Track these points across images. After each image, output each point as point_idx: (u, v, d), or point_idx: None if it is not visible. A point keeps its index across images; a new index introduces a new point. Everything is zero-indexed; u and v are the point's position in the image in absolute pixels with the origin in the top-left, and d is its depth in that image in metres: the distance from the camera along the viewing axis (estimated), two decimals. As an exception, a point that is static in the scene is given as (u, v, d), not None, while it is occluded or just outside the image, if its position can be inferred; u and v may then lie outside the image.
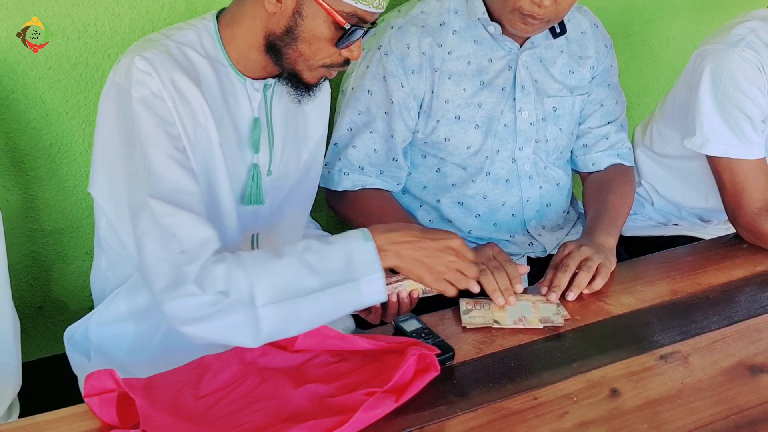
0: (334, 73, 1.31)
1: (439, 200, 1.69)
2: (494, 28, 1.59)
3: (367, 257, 1.18)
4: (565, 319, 1.37)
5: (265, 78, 1.33)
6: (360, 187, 1.63)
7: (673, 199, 1.88)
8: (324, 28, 1.23)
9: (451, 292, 1.25)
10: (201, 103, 1.24)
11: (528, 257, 1.71)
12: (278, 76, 1.33)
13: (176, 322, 1.16)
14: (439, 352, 1.23)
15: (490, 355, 1.29)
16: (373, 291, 1.19)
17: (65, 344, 1.42)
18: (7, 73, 1.57)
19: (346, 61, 1.28)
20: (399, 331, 1.32)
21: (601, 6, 2.21)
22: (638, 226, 1.91)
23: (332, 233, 1.90)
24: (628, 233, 1.89)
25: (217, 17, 1.32)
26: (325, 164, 1.65)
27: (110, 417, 1.11)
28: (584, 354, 1.29)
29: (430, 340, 1.28)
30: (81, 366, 1.39)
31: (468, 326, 1.34)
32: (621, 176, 1.75)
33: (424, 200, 1.71)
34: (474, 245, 1.68)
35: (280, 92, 1.36)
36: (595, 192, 1.72)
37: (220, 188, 1.29)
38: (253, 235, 1.40)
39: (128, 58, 1.21)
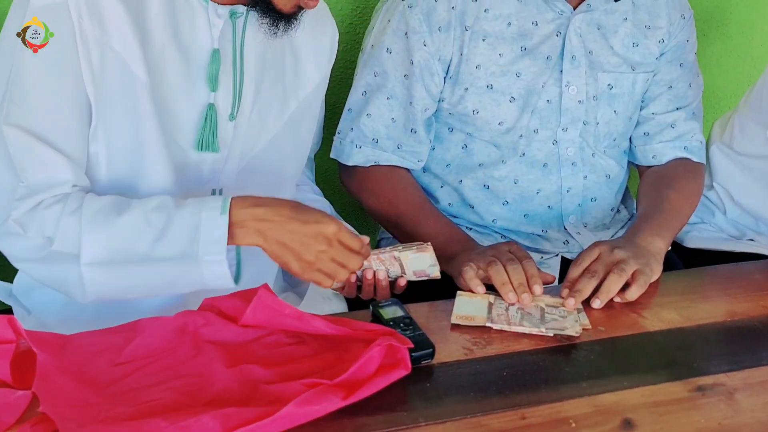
0: (312, 3, 1.10)
1: (461, 181, 1.45)
2: (541, -19, 1.35)
3: (215, 234, 1.03)
4: (584, 329, 1.11)
5: (234, 4, 1.13)
6: (373, 163, 1.42)
7: (750, 207, 1.58)
8: None
9: (326, 284, 1.09)
10: (122, 27, 1.06)
11: (563, 257, 1.45)
12: (251, 3, 1.13)
13: (12, 261, 1.10)
14: (413, 346, 1.01)
15: (480, 360, 1.05)
16: (217, 274, 1.05)
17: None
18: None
19: None
20: (375, 318, 1.10)
21: (692, -12, 1.93)
22: (705, 237, 1.61)
23: (344, 210, 1.72)
24: (690, 244, 1.60)
25: None
26: (338, 132, 1.45)
27: (3, 372, 0.94)
28: (598, 372, 1.03)
29: (408, 333, 1.05)
30: (22, 320, 1.23)
31: (456, 322, 1.11)
32: (686, 172, 1.47)
33: (446, 180, 1.48)
34: (498, 237, 1.45)
35: (259, 25, 1.15)
36: (650, 186, 1.44)
37: (148, 133, 1.10)
38: (214, 190, 1.20)
39: None
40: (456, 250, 1.28)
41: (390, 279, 1.18)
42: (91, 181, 1.11)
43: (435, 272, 1.17)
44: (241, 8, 1.13)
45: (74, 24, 1.04)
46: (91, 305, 1.14)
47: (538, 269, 1.19)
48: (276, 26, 1.11)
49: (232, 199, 1.05)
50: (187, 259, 1.03)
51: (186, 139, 1.14)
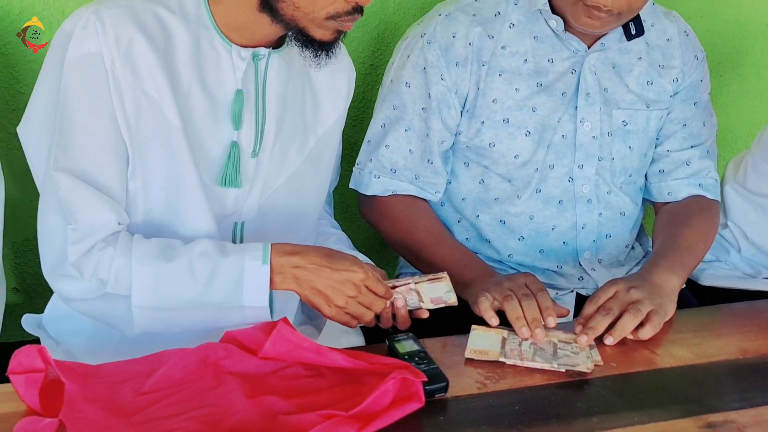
0: (348, 24, 1.14)
1: (478, 216, 1.49)
2: (556, 22, 1.39)
3: (258, 284, 1.11)
4: (596, 365, 1.13)
5: (257, 46, 1.18)
6: (391, 193, 1.45)
7: (764, 246, 1.59)
8: None
9: (352, 325, 1.17)
10: (155, 71, 1.11)
11: (578, 293, 1.47)
12: (276, 44, 1.19)
13: (65, 301, 1.17)
14: (427, 380, 1.03)
15: (493, 394, 1.07)
16: (258, 316, 1.13)
17: (28, 330, 1.31)
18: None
19: (358, 8, 1.12)
20: (391, 351, 1.13)
21: (708, 29, 1.96)
22: (720, 275, 1.62)
23: (363, 245, 1.75)
24: (706, 282, 1.61)
25: None
26: (357, 163, 1.49)
27: (32, 400, 0.98)
28: (610, 408, 1.05)
29: (422, 366, 1.08)
30: (51, 349, 1.27)
31: (471, 356, 1.13)
32: (701, 209, 1.49)
33: (464, 214, 1.51)
34: (513, 272, 1.47)
35: (280, 65, 1.20)
36: (666, 223, 1.46)
37: (183, 169, 1.16)
38: (236, 223, 1.24)
39: (85, 8, 1.11)
40: (472, 276, 1.31)
41: (409, 308, 1.21)
42: (130, 215, 1.17)
43: (451, 299, 1.20)
44: (263, 50, 1.18)
45: (108, 72, 1.10)
46: (117, 335, 1.19)
47: (553, 302, 1.22)
48: (319, 56, 1.16)
49: (271, 246, 1.12)
50: (231, 305, 1.11)
51: (210, 175, 1.19)
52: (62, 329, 1.27)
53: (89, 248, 1.10)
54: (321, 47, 1.15)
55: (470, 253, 1.40)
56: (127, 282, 1.10)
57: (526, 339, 1.17)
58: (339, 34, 1.16)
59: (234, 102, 1.18)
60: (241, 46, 1.17)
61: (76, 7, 1.46)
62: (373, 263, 1.28)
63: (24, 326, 1.32)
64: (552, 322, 1.18)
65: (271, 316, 1.15)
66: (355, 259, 1.15)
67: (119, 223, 1.13)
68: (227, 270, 1.10)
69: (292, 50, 1.21)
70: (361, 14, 1.14)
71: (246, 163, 1.21)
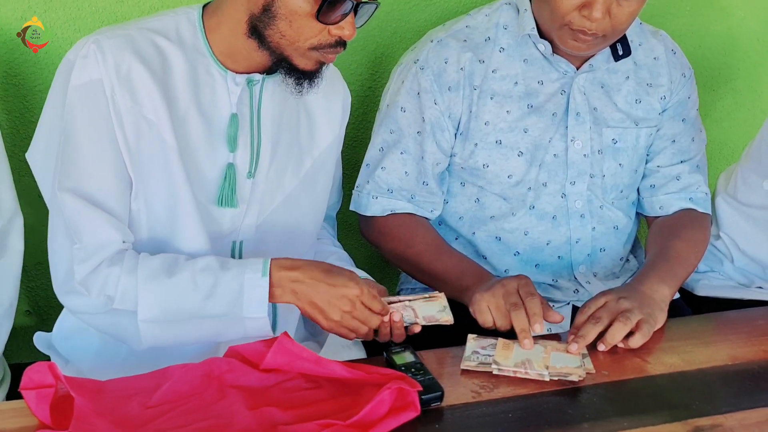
0: (331, 57, 1.19)
1: (474, 233, 1.53)
2: (544, 46, 1.44)
3: (257, 296, 1.16)
4: (588, 373, 1.17)
5: (251, 72, 1.23)
6: (390, 212, 1.50)
7: (756, 256, 1.62)
8: (301, 1, 1.13)
9: (350, 337, 1.21)
10: (153, 96, 1.17)
11: (574, 306, 1.50)
12: (270, 70, 1.23)
13: (75, 314, 1.23)
14: (422, 389, 1.07)
15: (487, 403, 1.11)
16: (259, 327, 1.18)
17: (40, 349, 1.36)
18: (18, 103, 1.57)
19: (341, 42, 1.17)
20: (389, 363, 1.17)
21: (699, 45, 2.01)
22: (714, 285, 1.65)
23: (365, 263, 1.79)
24: (701, 292, 1.64)
25: (206, 6, 1.24)
26: (356, 186, 1.54)
27: (43, 414, 1.02)
28: (600, 414, 1.08)
29: (418, 377, 1.11)
30: (61, 368, 1.32)
31: (465, 367, 1.17)
32: (691, 221, 1.52)
33: (460, 232, 1.55)
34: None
35: (274, 90, 1.26)
36: (657, 236, 1.50)
37: (179, 190, 1.21)
38: (234, 242, 1.29)
39: (86, 38, 1.17)
40: (471, 282, 1.35)
41: (405, 324, 1.24)
42: (134, 234, 1.22)
43: (444, 317, 1.23)
44: (258, 76, 1.24)
45: (108, 98, 1.15)
46: (123, 352, 1.23)
47: (547, 307, 1.24)
48: (300, 84, 1.21)
49: (271, 261, 1.16)
50: (232, 317, 1.16)
51: (208, 196, 1.24)
52: (71, 346, 1.32)
53: (95, 266, 1.16)
54: (303, 76, 1.20)
55: (468, 260, 1.44)
56: (133, 298, 1.15)
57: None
58: (321, 65, 1.21)
59: (229, 125, 1.23)
60: (236, 72, 1.23)
61: (76, 8, 1.55)
62: (372, 279, 1.33)
63: (36, 344, 1.37)
64: (538, 329, 1.20)
65: (274, 332, 1.20)
66: (353, 275, 1.20)
67: (124, 242, 1.18)
68: (228, 283, 1.15)
69: None
70: (344, 48, 1.19)
71: (242, 183, 1.26)
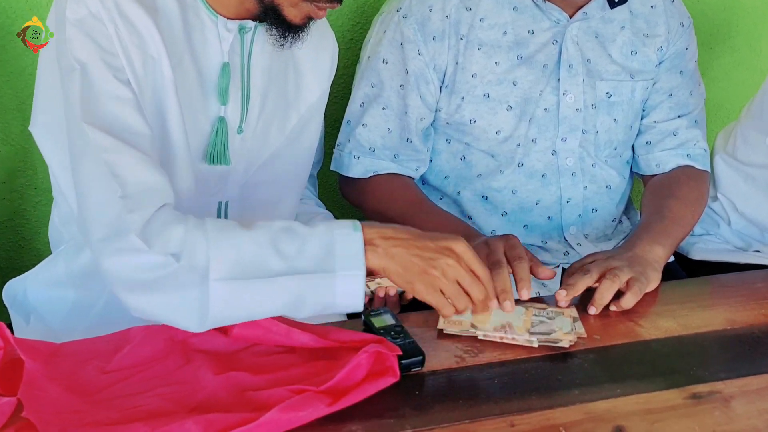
0: (322, 12, 1.10)
1: (460, 192, 1.45)
2: (535, -8, 1.35)
3: (351, 249, 0.98)
4: (580, 338, 1.10)
5: (243, 19, 1.14)
6: (372, 173, 1.42)
7: (755, 218, 1.56)
8: None
9: (447, 312, 1.02)
10: (153, 34, 1.06)
11: (564, 269, 1.43)
12: (260, 18, 1.13)
13: (117, 285, 0.99)
14: (401, 353, 1.00)
15: (471, 368, 1.04)
16: (350, 291, 0.99)
17: (5, 303, 1.27)
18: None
19: None
20: (367, 327, 1.09)
21: (698, 0, 1.92)
22: (710, 249, 1.59)
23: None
24: (697, 256, 1.58)
25: None
26: (337, 144, 1.46)
27: (-11, 379, 0.95)
28: (591, 380, 1.02)
29: (398, 341, 1.04)
30: (20, 329, 1.24)
31: (443, 330, 1.10)
32: (689, 179, 1.45)
33: (445, 192, 1.47)
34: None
35: (266, 40, 1.15)
36: (652, 195, 1.43)
37: (173, 140, 1.10)
38: (220, 202, 1.20)
39: None
40: None
41: (399, 292, 1.18)
42: None
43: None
44: (250, 23, 1.14)
45: (113, 34, 1.03)
46: (99, 305, 1.15)
47: (538, 263, 1.17)
48: (284, 38, 1.11)
49: (360, 222, 1.02)
50: (322, 274, 0.98)
51: (196, 152, 1.14)
52: (44, 296, 1.22)
53: (152, 215, 0.97)
54: (289, 29, 1.11)
55: (454, 218, 1.37)
56: (204, 253, 0.95)
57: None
58: (309, 20, 1.11)
59: (221, 76, 1.13)
60: (227, 18, 1.13)
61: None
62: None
63: (3, 295, 1.28)
64: (525, 294, 1.13)
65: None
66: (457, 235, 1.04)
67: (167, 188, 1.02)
68: (316, 238, 0.98)
69: None
70: (340, 4, 1.09)
71: (232, 139, 1.16)
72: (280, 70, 1.22)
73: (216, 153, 1.15)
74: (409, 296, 1.17)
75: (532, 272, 1.15)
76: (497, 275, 1.12)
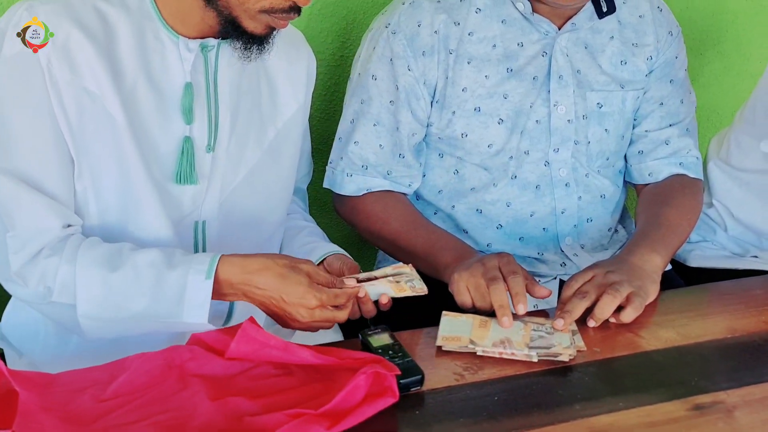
0: (283, 23, 1.10)
1: (454, 206, 1.44)
2: (523, 5, 1.35)
3: (199, 298, 1.06)
4: (579, 351, 1.09)
5: (206, 37, 1.13)
6: (365, 191, 1.41)
7: (751, 224, 1.55)
8: None
9: (326, 327, 1.12)
10: (95, 67, 1.07)
11: (561, 280, 1.42)
12: (225, 34, 1.13)
13: (20, 300, 1.16)
14: (400, 373, 0.99)
15: (471, 386, 1.03)
16: (200, 328, 1.08)
17: None
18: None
19: (295, 8, 1.08)
20: (365, 346, 1.08)
21: (687, 6, 1.93)
22: (708, 255, 1.58)
23: (341, 241, 1.71)
24: (694, 263, 1.57)
25: None
26: (329, 162, 1.45)
27: (-17, 411, 0.93)
28: (593, 394, 1.01)
29: (396, 360, 1.03)
30: (13, 361, 1.23)
31: (441, 344, 1.09)
32: (683, 188, 1.44)
33: (439, 206, 1.46)
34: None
35: (231, 56, 1.15)
36: (647, 204, 1.42)
37: (130, 163, 1.11)
38: (196, 222, 1.20)
39: (18, 4, 1.06)
40: (450, 259, 1.27)
41: (373, 299, 1.15)
42: (82, 217, 1.12)
43: (417, 286, 1.14)
44: (213, 41, 1.14)
45: (44, 70, 1.05)
46: (74, 341, 1.17)
47: (534, 283, 1.17)
48: (249, 50, 1.11)
49: (220, 259, 1.07)
50: (172, 319, 1.07)
51: (165, 173, 1.14)
52: (20, 335, 1.22)
53: (33, 256, 1.07)
54: (252, 40, 1.11)
55: (448, 235, 1.36)
56: (71, 291, 1.06)
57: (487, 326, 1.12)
58: (272, 30, 1.11)
59: (183, 95, 1.13)
60: (189, 37, 1.13)
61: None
62: (346, 254, 1.24)
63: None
64: (522, 309, 1.13)
65: (230, 314, 1.11)
66: (309, 284, 1.07)
67: (69, 225, 1.09)
68: (171, 284, 1.06)
69: None
70: (299, 14, 1.10)
71: (201, 158, 1.16)
72: (251, 86, 1.21)
73: (183, 173, 1.15)
74: (384, 301, 1.16)
75: (528, 291, 1.15)
76: (494, 290, 1.12)
